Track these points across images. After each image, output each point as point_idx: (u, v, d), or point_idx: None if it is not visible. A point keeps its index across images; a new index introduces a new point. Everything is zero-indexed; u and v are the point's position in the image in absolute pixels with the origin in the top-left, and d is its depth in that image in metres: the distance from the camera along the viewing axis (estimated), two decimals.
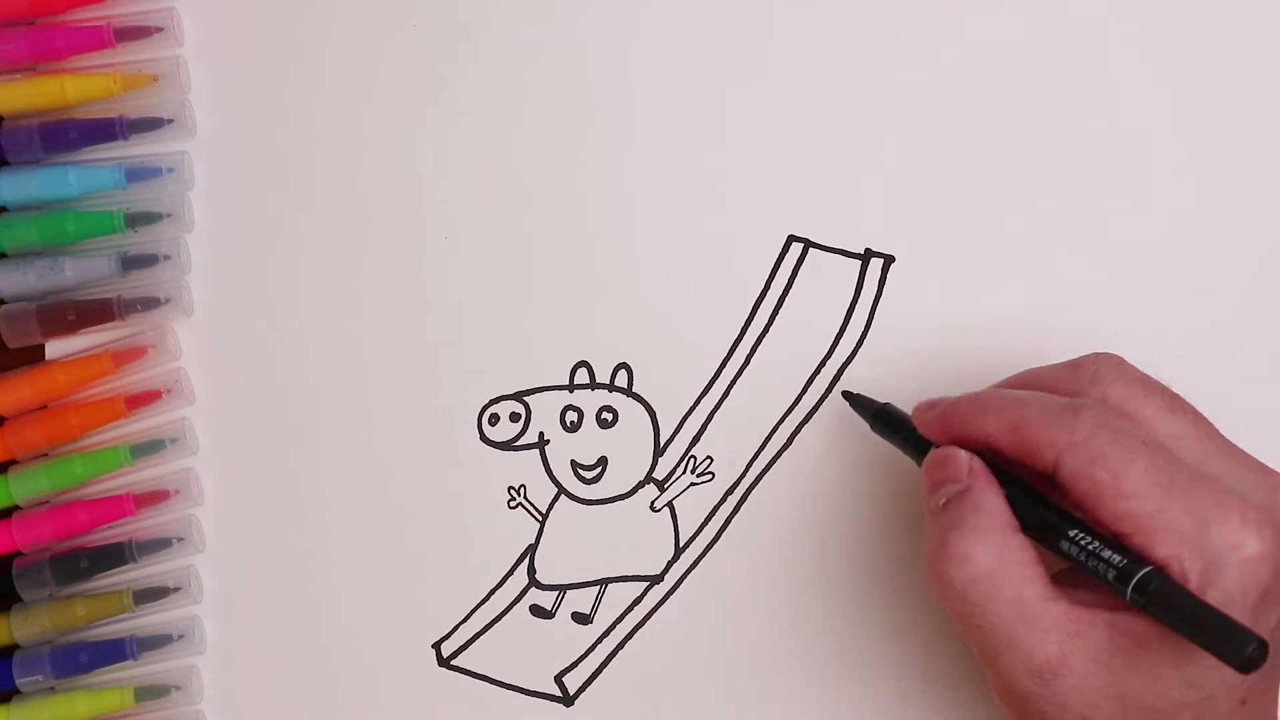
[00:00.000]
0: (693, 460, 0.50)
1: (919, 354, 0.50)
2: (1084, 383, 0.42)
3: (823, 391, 0.50)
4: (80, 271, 0.48)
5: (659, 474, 0.50)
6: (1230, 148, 0.49)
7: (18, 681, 0.48)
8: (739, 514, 0.50)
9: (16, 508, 0.49)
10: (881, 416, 0.47)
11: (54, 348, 0.50)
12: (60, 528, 0.48)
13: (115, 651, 0.49)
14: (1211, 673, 0.38)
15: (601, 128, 0.50)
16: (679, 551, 0.50)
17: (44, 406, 0.49)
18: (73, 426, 0.49)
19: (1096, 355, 0.42)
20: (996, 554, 0.39)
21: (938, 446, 0.43)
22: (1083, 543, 0.39)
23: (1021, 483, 0.41)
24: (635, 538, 0.50)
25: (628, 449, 0.50)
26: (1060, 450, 0.39)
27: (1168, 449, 0.39)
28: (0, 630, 0.48)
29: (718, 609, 0.50)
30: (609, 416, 0.50)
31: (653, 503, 0.50)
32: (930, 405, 0.44)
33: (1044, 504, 0.40)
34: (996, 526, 0.40)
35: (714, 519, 0.50)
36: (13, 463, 0.49)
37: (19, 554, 0.49)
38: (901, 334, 0.50)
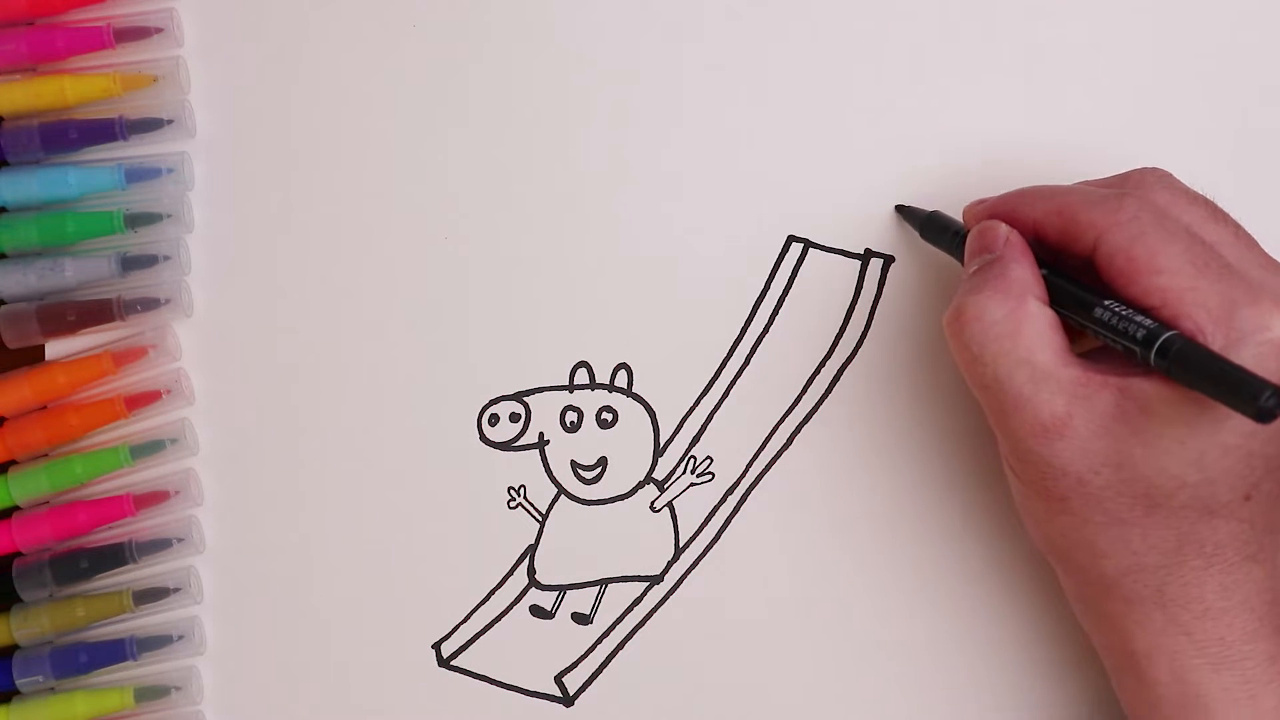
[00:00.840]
0: (692, 460, 0.50)
1: (919, 354, 0.50)
2: (1130, 187, 0.42)
3: (823, 391, 0.50)
4: (80, 272, 0.48)
5: (659, 474, 0.50)
6: (1231, 149, 0.49)
7: (17, 682, 0.48)
8: (739, 514, 0.50)
9: (16, 508, 0.49)
10: (930, 222, 0.47)
11: (54, 348, 0.50)
12: (60, 528, 0.48)
13: (115, 652, 0.49)
14: (1216, 454, 0.38)
15: (602, 127, 0.50)
16: (679, 551, 0.50)
17: (44, 407, 0.49)
18: (73, 427, 0.49)
19: (1142, 168, 0.43)
20: (1012, 315, 0.40)
21: None
22: (1115, 309, 0.39)
23: (1058, 265, 0.42)
24: (635, 538, 0.50)
25: (628, 449, 0.50)
26: (1102, 230, 0.40)
27: (1209, 243, 0.40)
28: (0, 630, 0.48)
29: (718, 609, 0.50)
30: (609, 417, 0.50)
31: (653, 503, 0.50)
32: (979, 201, 0.45)
33: (1079, 282, 0.41)
34: (1018, 291, 0.41)
35: (714, 519, 0.50)
36: (13, 463, 0.49)
37: (19, 554, 0.49)
38: (902, 334, 0.50)
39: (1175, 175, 0.43)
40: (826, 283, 0.50)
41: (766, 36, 0.50)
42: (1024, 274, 0.41)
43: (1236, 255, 0.40)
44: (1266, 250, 0.41)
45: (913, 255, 0.50)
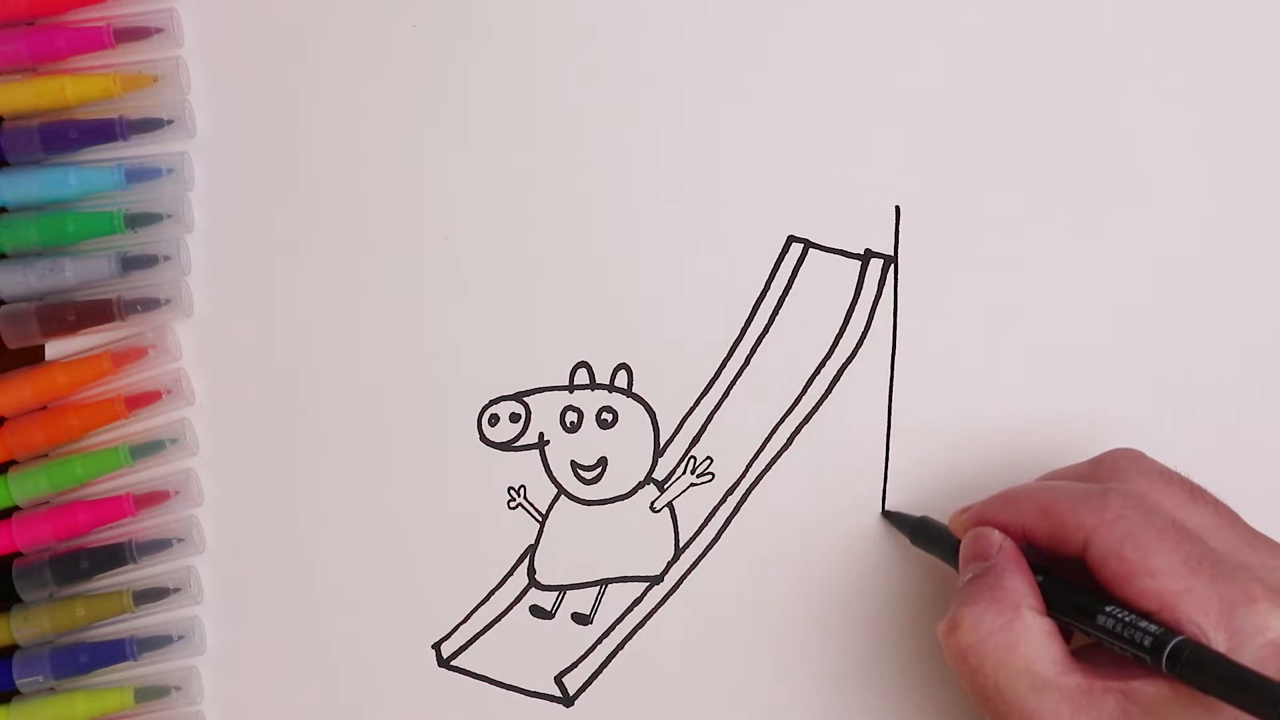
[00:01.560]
0: (693, 461, 0.50)
1: (919, 354, 0.50)
2: (1104, 476, 0.43)
3: (823, 392, 0.50)
4: (80, 272, 0.48)
5: (659, 474, 0.50)
6: (1230, 148, 0.49)
7: (17, 682, 0.48)
8: (739, 514, 0.50)
9: (16, 508, 0.49)
10: (920, 529, 0.48)
11: (54, 348, 0.50)
12: (60, 528, 0.48)
13: (115, 652, 0.49)
14: None
15: (602, 127, 0.50)
16: (679, 552, 0.50)
17: (44, 407, 0.49)
18: (73, 427, 0.49)
19: (1114, 451, 0.44)
20: (1008, 627, 0.40)
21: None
22: (1119, 615, 0.39)
23: (1054, 571, 0.42)
24: (635, 538, 0.50)
25: (628, 449, 0.50)
26: (1089, 531, 0.40)
27: (1195, 534, 0.40)
28: (0, 630, 0.48)
29: (718, 609, 0.50)
30: (609, 417, 0.50)
31: (653, 503, 0.50)
32: (964, 509, 0.45)
33: (1076, 586, 0.41)
34: (1012, 602, 0.41)
35: (714, 519, 0.50)
36: (13, 463, 0.49)
37: (19, 554, 0.49)
38: (901, 334, 0.50)
39: (1144, 453, 0.43)
40: (826, 283, 0.50)
41: (767, 36, 0.50)
42: (1018, 584, 0.41)
43: (1220, 538, 0.41)
44: (1243, 520, 0.42)
45: (912, 256, 0.50)
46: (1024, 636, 0.40)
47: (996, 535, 0.43)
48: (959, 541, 0.44)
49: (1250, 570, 0.39)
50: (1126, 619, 0.39)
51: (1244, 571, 0.39)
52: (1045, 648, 0.40)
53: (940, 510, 0.49)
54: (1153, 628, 0.38)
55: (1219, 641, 0.38)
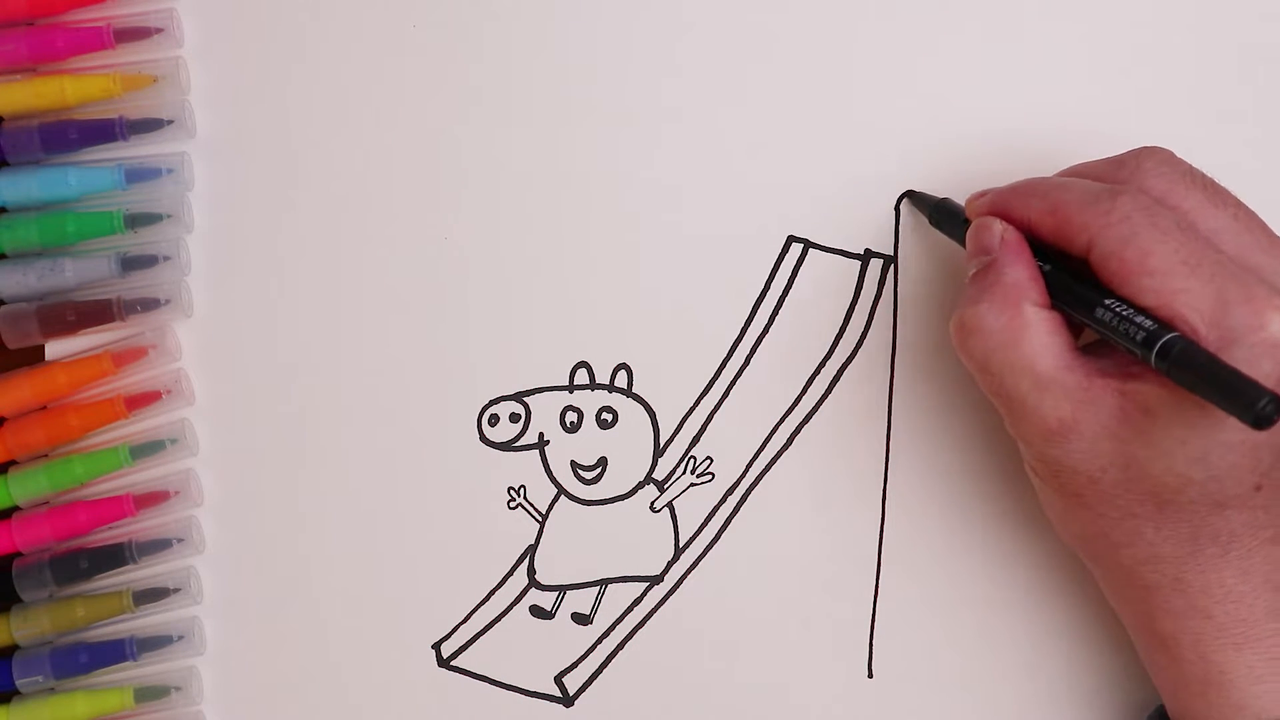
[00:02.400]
0: (692, 461, 0.50)
1: (919, 354, 0.50)
2: (1127, 174, 0.42)
3: (823, 392, 0.50)
4: (80, 272, 0.48)
5: (659, 474, 0.50)
6: (1229, 147, 0.49)
7: (17, 682, 0.48)
8: (739, 514, 0.50)
9: (16, 508, 0.49)
10: (939, 209, 0.47)
11: (54, 348, 0.50)
12: (60, 528, 0.48)
13: (115, 652, 0.49)
14: (1220, 452, 0.38)
15: (602, 127, 0.50)
16: (679, 552, 0.50)
17: (44, 407, 0.49)
18: (73, 427, 0.49)
19: (1141, 149, 0.43)
20: (1010, 324, 0.41)
21: None
22: (1117, 309, 0.39)
23: (1057, 262, 0.42)
24: (635, 538, 0.50)
25: (627, 449, 0.50)
26: (1094, 232, 0.40)
27: (1204, 236, 0.39)
28: (0, 631, 0.48)
29: (718, 609, 0.50)
30: (609, 417, 0.50)
31: (652, 503, 0.50)
32: (981, 193, 0.45)
33: (1080, 279, 0.41)
34: (1016, 299, 0.41)
35: (714, 519, 0.50)
36: (13, 463, 0.49)
37: (19, 554, 0.49)
38: (901, 334, 0.50)
39: (1173, 153, 0.43)
40: (826, 283, 0.50)
41: (767, 36, 0.50)
42: (1020, 277, 0.41)
43: (1235, 241, 0.40)
44: (1266, 225, 0.41)
45: (913, 255, 0.50)
46: (1025, 333, 0.40)
47: (999, 225, 0.43)
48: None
49: (1259, 273, 0.39)
50: (1124, 312, 0.39)
51: (1251, 274, 0.38)
52: (1047, 344, 0.40)
53: (941, 509, 0.49)
54: (1147, 322, 0.38)
55: (1210, 339, 0.37)
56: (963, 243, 0.45)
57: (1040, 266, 0.42)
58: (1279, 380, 0.37)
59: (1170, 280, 0.38)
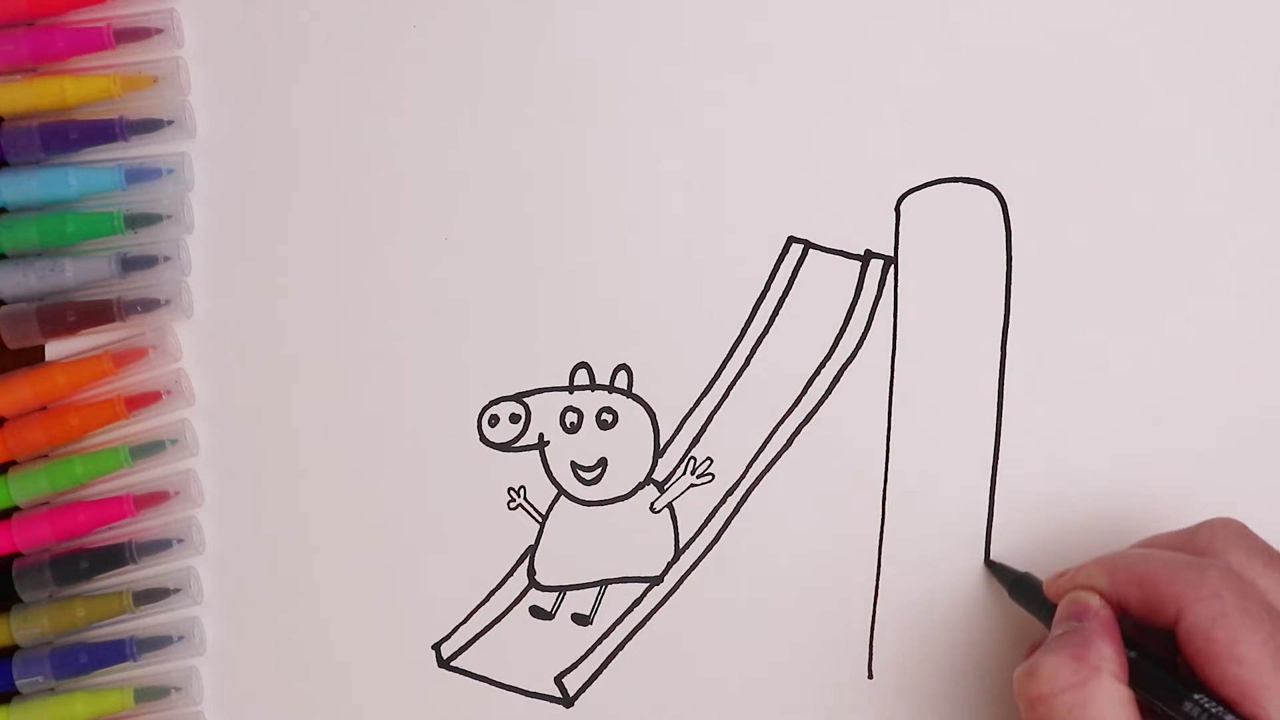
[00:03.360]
0: (692, 461, 0.50)
1: (919, 355, 0.50)
2: (1202, 546, 0.42)
3: (823, 392, 0.50)
4: (80, 272, 0.48)
5: (659, 475, 0.50)
6: (1228, 148, 0.49)
7: (17, 682, 0.48)
8: (739, 515, 0.50)
9: (16, 508, 0.49)
10: (1020, 585, 0.47)
11: (54, 349, 0.50)
12: (60, 529, 0.48)
13: (115, 652, 0.49)
14: None
15: (601, 128, 0.50)
16: (679, 552, 0.50)
17: (44, 407, 0.49)
18: (73, 428, 0.49)
19: (1214, 521, 0.43)
20: (1086, 684, 0.39)
21: None
22: (1206, 705, 0.38)
23: (1146, 649, 0.41)
24: (635, 539, 0.50)
25: (627, 450, 0.50)
26: (1184, 604, 0.39)
27: None
28: (0, 631, 0.48)
29: (718, 609, 0.50)
30: (609, 417, 0.50)
31: (652, 504, 0.50)
32: (1061, 573, 0.44)
33: (1167, 667, 0.40)
34: (1094, 662, 0.40)
35: (714, 520, 0.50)
36: (13, 463, 0.49)
37: (19, 555, 0.49)
38: (902, 334, 0.50)
39: (1247, 526, 0.42)
40: (826, 283, 0.50)
41: (766, 36, 0.50)
42: (1105, 648, 0.40)
43: None
44: None
45: (913, 256, 0.49)
46: (1098, 697, 0.39)
47: (1096, 600, 0.42)
48: (1053, 605, 0.44)
49: None
50: (1213, 709, 0.38)
51: None
52: (1117, 714, 0.39)
53: (943, 510, 0.49)
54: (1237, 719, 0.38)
55: None
56: (1044, 620, 0.45)
57: (1128, 653, 0.41)
58: None
59: (1257, 673, 0.38)
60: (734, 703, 0.50)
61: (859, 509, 0.50)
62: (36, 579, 0.48)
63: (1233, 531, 0.42)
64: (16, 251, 0.48)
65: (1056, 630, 0.42)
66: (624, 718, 0.50)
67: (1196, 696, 0.39)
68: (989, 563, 0.49)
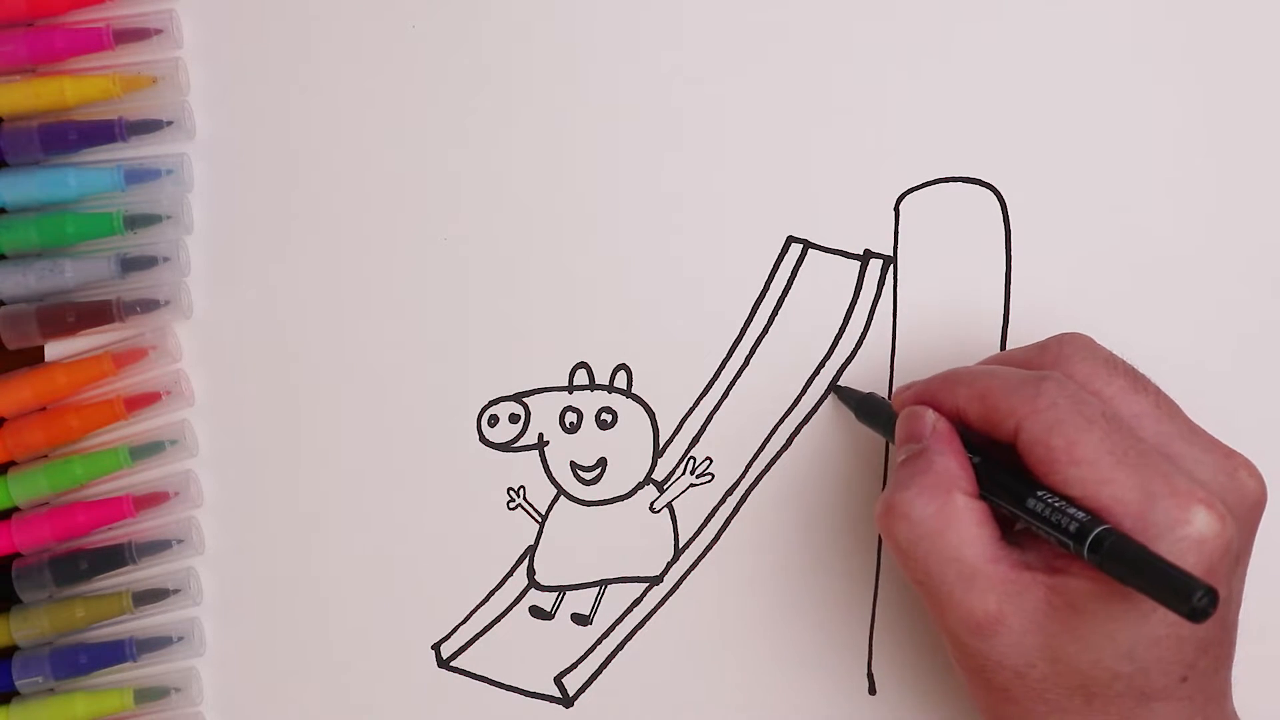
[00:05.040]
0: (692, 461, 0.50)
1: (918, 354, 0.50)
2: (1049, 361, 0.42)
3: (822, 392, 0.50)
4: (80, 273, 0.48)
5: (658, 475, 0.50)
6: (1227, 148, 0.49)
7: (17, 683, 0.48)
8: (739, 515, 0.50)
9: (16, 509, 0.49)
10: (865, 405, 0.48)
11: (53, 349, 0.50)
12: (60, 529, 0.48)
13: (115, 653, 0.49)
14: (1146, 645, 0.38)
15: (601, 128, 0.50)
16: (678, 552, 0.50)
17: (44, 408, 0.49)
18: (72, 428, 0.49)
19: (1063, 335, 0.43)
20: (939, 513, 0.40)
21: None
22: (1048, 500, 0.39)
23: (987, 453, 0.42)
24: (634, 539, 0.50)
25: (627, 450, 0.50)
26: (1021, 417, 0.40)
27: (1128, 425, 0.40)
28: (0, 631, 0.48)
29: (717, 610, 0.50)
30: (608, 417, 0.50)
31: (652, 504, 0.50)
32: (907, 386, 0.45)
33: (1010, 471, 0.41)
34: (945, 486, 0.41)
35: (713, 520, 0.50)
36: (12, 464, 0.49)
37: (18, 555, 0.49)
38: (901, 334, 0.50)
39: (1094, 340, 0.43)
40: (826, 283, 0.50)
41: (766, 36, 0.50)
42: (950, 465, 0.41)
43: (1156, 429, 0.40)
44: (1186, 414, 0.41)
45: (912, 255, 0.50)
46: (954, 523, 0.40)
47: (930, 415, 0.43)
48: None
49: (1179, 463, 0.39)
50: (1056, 504, 0.39)
51: (1172, 464, 0.39)
52: (975, 535, 0.40)
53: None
54: (1080, 514, 0.38)
55: (1136, 533, 0.37)
56: (889, 438, 0.45)
57: (970, 458, 0.42)
58: (1204, 574, 0.37)
59: (1097, 471, 0.38)
60: (734, 702, 0.50)
61: (859, 509, 0.50)
62: (36, 579, 0.48)
63: (1079, 344, 0.42)
64: (16, 252, 0.48)
65: (900, 454, 0.43)
66: (624, 718, 0.50)
67: (1040, 493, 0.39)
68: (835, 388, 0.49)
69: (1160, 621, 0.38)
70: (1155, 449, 0.39)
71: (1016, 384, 0.41)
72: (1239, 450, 0.41)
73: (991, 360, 0.45)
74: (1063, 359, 0.42)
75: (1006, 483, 0.41)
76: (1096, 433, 0.39)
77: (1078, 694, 0.39)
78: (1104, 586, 0.38)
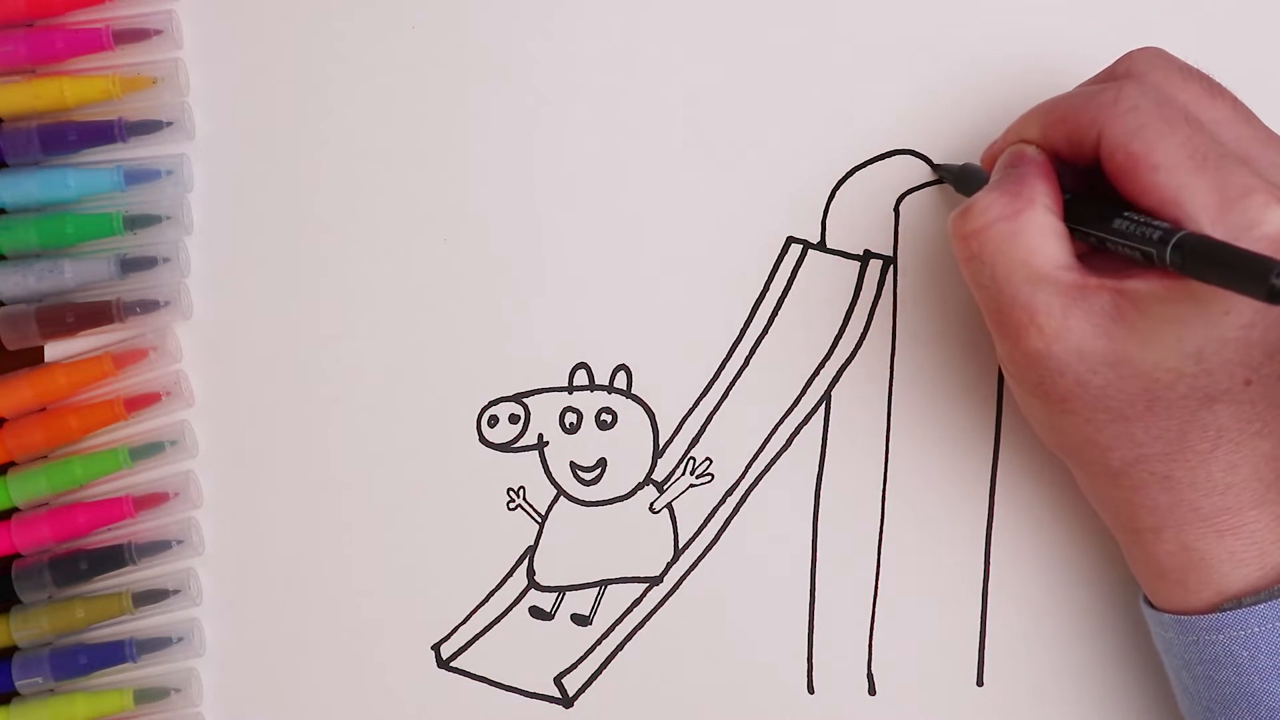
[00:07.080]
0: (692, 461, 0.50)
1: (919, 355, 0.50)
2: (1121, 75, 0.42)
3: (822, 392, 0.50)
4: (79, 274, 0.48)
5: (658, 475, 0.50)
6: None
7: (17, 683, 0.48)
8: (738, 515, 0.50)
9: (16, 509, 0.49)
10: (964, 176, 0.47)
11: (53, 350, 0.50)
12: (59, 530, 0.48)
13: (114, 654, 0.49)
14: (1215, 347, 0.38)
15: (601, 128, 0.50)
16: (678, 553, 0.50)
17: (44, 408, 0.49)
18: (72, 429, 0.49)
19: (1132, 50, 0.43)
20: (1018, 215, 0.40)
21: None
22: (1135, 217, 0.39)
23: (1078, 194, 0.41)
24: (634, 539, 0.50)
25: (627, 450, 0.50)
26: (1102, 124, 0.40)
27: (1207, 129, 0.39)
28: (0, 632, 0.48)
29: (717, 610, 0.50)
30: (608, 418, 0.50)
31: (652, 504, 0.50)
32: (992, 143, 0.45)
33: (1101, 199, 0.40)
34: (1028, 195, 0.40)
35: (713, 520, 0.50)
36: (12, 464, 0.49)
37: (18, 556, 0.49)
38: (901, 335, 0.50)
39: (1166, 50, 0.42)
40: (826, 283, 0.50)
41: (765, 36, 0.50)
42: (1041, 184, 0.41)
43: (1233, 133, 0.40)
44: (1261, 120, 0.41)
45: (912, 256, 0.50)
46: (1029, 228, 0.40)
47: (1031, 149, 0.42)
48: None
49: (1256, 165, 0.39)
50: (1141, 219, 0.38)
51: (1248, 166, 0.38)
52: (1048, 243, 0.40)
53: (943, 510, 0.49)
54: (1163, 224, 0.38)
55: (1214, 235, 0.37)
56: None
57: (1063, 194, 0.41)
58: None
59: (1175, 176, 0.38)
60: (734, 702, 0.50)
61: (859, 509, 0.50)
62: (36, 580, 0.48)
63: (1151, 54, 0.42)
64: (16, 253, 0.49)
65: (994, 175, 0.43)
66: (623, 718, 0.50)
67: (1126, 213, 0.39)
68: (932, 165, 0.49)
69: (1231, 324, 0.38)
70: (1233, 153, 0.39)
71: (1097, 93, 0.40)
72: None
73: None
74: (1135, 68, 0.42)
75: (1096, 208, 0.40)
76: (1177, 137, 0.38)
77: (1140, 399, 0.39)
78: (1175, 290, 0.38)
